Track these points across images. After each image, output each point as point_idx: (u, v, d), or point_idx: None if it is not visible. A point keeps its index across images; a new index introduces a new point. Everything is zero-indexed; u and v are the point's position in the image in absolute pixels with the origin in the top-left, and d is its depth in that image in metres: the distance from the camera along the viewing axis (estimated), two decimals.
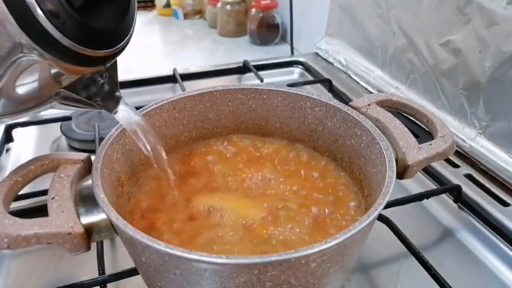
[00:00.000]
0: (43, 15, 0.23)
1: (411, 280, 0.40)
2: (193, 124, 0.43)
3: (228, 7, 1.25)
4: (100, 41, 0.27)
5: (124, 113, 0.32)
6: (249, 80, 0.79)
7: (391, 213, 0.43)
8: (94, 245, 0.31)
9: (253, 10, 1.21)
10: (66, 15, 0.24)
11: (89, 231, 0.29)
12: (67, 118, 0.62)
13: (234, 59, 0.83)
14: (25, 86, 0.26)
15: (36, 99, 0.28)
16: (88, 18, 0.25)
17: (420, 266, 0.39)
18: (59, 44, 0.24)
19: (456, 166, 0.54)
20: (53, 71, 0.26)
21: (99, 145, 0.34)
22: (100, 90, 0.31)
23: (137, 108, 0.36)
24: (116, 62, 0.31)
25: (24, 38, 0.23)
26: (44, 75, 0.26)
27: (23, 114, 0.29)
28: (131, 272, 0.37)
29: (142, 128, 0.33)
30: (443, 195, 0.50)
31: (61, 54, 0.25)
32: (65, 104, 0.31)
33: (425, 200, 0.47)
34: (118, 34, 0.28)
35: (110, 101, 0.32)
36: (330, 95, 0.75)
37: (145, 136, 0.33)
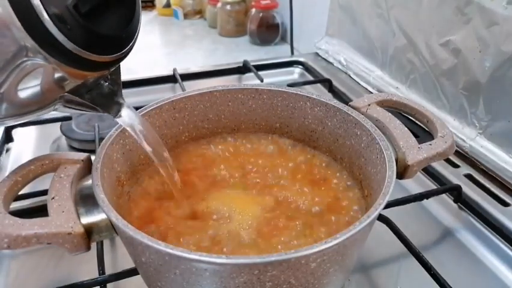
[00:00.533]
0: (49, 19, 0.23)
1: (411, 280, 0.40)
2: (193, 124, 0.43)
3: (228, 7, 1.25)
4: (105, 46, 0.27)
5: (126, 117, 0.32)
6: (249, 80, 0.79)
7: (391, 213, 0.43)
8: (94, 245, 0.31)
9: (253, 10, 1.21)
10: (72, 20, 0.24)
11: (89, 231, 0.29)
12: (67, 118, 0.62)
13: (234, 59, 0.83)
14: (29, 89, 0.26)
15: (39, 103, 0.29)
16: (93, 24, 0.25)
17: (420, 266, 0.39)
18: (64, 48, 0.24)
19: (456, 166, 0.54)
20: (57, 75, 0.26)
21: (99, 145, 0.34)
22: (103, 94, 0.31)
23: (137, 108, 0.36)
24: (119, 66, 0.31)
25: (29, 42, 0.23)
26: (48, 79, 0.26)
27: (27, 116, 0.29)
28: (131, 272, 0.37)
29: (144, 131, 0.33)
30: (443, 195, 0.50)
31: (66, 59, 0.25)
32: (69, 107, 0.31)
33: (425, 200, 0.47)
34: (123, 39, 0.28)
35: (113, 105, 0.32)
36: (330, 95, 0.75)
37: (147, 139, 0.33)
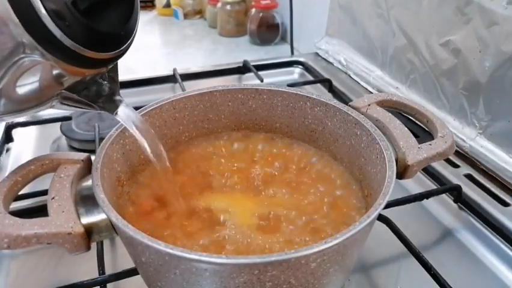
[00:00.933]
0: (47, 16, 0.23)
1: (411, 280, 0.40)
2: (193, 124, 0.43)
3: (228, 7, 1.25)
4: (103, 43, 0.27)
5: (123, 114, 0.32)
6: (249, 80, 0.79)
7: (391, 213, 0.43)
8: (94, 245, 0.31)
9: (253, 10, 1.20)
10: (70, 17, 0.24)
11: (89, 231, 0.29)
12: (67, 118, 0.62)
13: (234, 59, 0.83)
14: (26, 86, 0.26)
15: (37, 99, 0.28)
16: (92, 21, 0.25)
17: (420, 266, 0.39)
18: (61, 45, 0.24)
19: (456, 166, 0.54)
20: (54, 72, 0.26)
21: (99, 145, 0.34)
22: (100, 91, 0.31)
23: (137, 108, 0.37)
24: (117, 64, 0.31)
25: (27, 38, 0.23)
26: (46, 76, 0.26)
27: (23, 113, 0.29)
28: (131, 272, 0.37)
29: (142, 128, 0.33)
30: (443, 195, 0.50)
31: (63, 55, 0.25)
32: (66, 104, 0.31)
33: (425, 200, 0.47)
34: (122, 37, 0.28)
35: (111, 103, 0.32)
36: (330, 95, 0.75)
37: (145, 137, 0.33)
